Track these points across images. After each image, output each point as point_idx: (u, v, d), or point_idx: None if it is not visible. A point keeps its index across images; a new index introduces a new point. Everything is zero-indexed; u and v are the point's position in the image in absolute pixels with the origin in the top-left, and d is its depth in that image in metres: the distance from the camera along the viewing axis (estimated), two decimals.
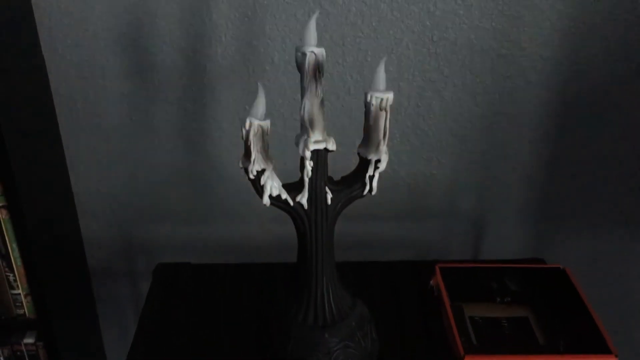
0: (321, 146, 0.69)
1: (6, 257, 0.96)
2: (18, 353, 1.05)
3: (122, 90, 1.05)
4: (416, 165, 1.12)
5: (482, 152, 1.11)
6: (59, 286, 1.07)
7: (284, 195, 0.71)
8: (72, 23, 0.99)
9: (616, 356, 0.77)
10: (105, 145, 1.10)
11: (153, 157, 1.11)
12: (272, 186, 0.70)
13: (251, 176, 0.69)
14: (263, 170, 0.69)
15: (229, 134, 1.08)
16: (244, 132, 0.66)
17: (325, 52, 0.65)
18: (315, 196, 0.72)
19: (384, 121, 0.68)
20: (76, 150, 1.10)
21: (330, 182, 0.73)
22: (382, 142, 0.69)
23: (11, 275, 0.98)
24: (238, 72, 1.03)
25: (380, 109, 0.67)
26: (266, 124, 0.67)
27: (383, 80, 0.69)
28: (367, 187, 0.73)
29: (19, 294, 1.00)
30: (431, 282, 0.94)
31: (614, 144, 1.10)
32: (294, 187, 0.72)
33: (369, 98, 0.68)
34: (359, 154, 0.72)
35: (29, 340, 1.05)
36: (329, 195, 0.72)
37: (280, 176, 0.71)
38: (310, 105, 0.67)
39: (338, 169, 0.75)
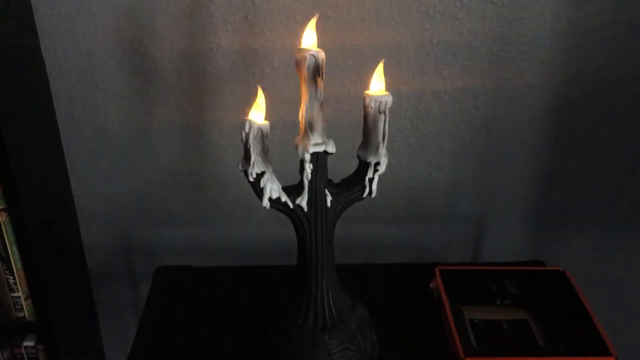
0: (321, 149, 0.69)
1: (6, 260, 0.97)
2: (18, 356, 1.05)
3: (122, 93, 1.05)
4: (416, 168, 1.12)
5: (482, 155, 1.11)
6: (59, 289, 1.07)
7: (284, 198, 0.71)
8: (72, 26, 0.99)
9: (616, 358, 0.77)
10: (105, 148, 1.10)
11: (153, 160, 1.11)
12: (272, 189, 0.70)
13: (251, 179, 0.69)
14: (263, 173, 0.69)
15: (228, 136, 1.08)
16: (243, 134, 0.66)
17: (325, 55, 0.65)
18: (315, 199, 0.72)
19: (383, 124, 0.68)
20: (76, 153, 1.10)
21: (330, 184, 0.73)
22: (381, 145, 0.69)
23: (11, 278, 0.98)
24: (238, 75, 1.03)
25: (380, 112, 0.67)
26: (266, 126, 0.67)
27: (382, 83, 0.69)
28: (367, 190, 0.73)
29: (19, 296, 1.00)
30: (431, 284, 0.94)
31: (614, 147, 1.10)
32: (293, 190, 0.72)
33: (368, 101, 0.68)
34: (358, 156, 0.72)
35: (29, 343, 1.05)
36: (329, 198, 0.72)
37: (280, 179, 0.71)
38: (310, 108, 0.67)
39: (338, 172, 0.75)
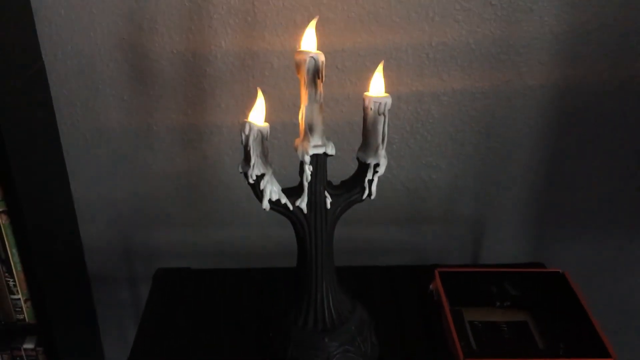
0: (320, 150, 0.69)
1: (6, 262, 0.96)
2: (18, 358, 1.05)
3: (122, 96, 1.05)
4: (415, 170, 1.12)
5: (481, 157, 1.11)
6: (59, 291, 1.07)
7: (284, 200, 0.71)
8: (72, 29, 0.99)
9: None
10: (105, 151, 1.10)
11: (153, 162, 1.11)
12: (272, 191, 0.70)
13: (251, 181, 0.69)
14: (262, 175, 0.69)
15: (228, 138, 1.08)
16: (243, 136, 0.66)
17: (325, 57, 0.65)
18: (315, 200, 0.72)
19: (382, 126, 0.68)
20: (76, 156, 1.10)
21: (330, 186, 0.73)
22: (380, 147, 0.69)
23: (11, 280, 0.98)
24: (238, 77, 1.03)
25: (379, 114, 0.67)
26: (265, 128, 0.67)
27: (382, 85, 0.69)
28: (366, 192, 0.73)
29: (19, 299, 1.00)
30: (431, 286, 0.94)
31: (613, 148, 1.11)
32: (293, 192, 0.72)
33: (367, 102, 0.68)
34: (358, 158, 0.73)
35: (28, 345, 1.04)
36: (329, 200, 0.72)
37: (279, 181, 0.71)
38: (310, 110, 0.67)
39: (337, 174, 0.75)
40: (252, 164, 0.68)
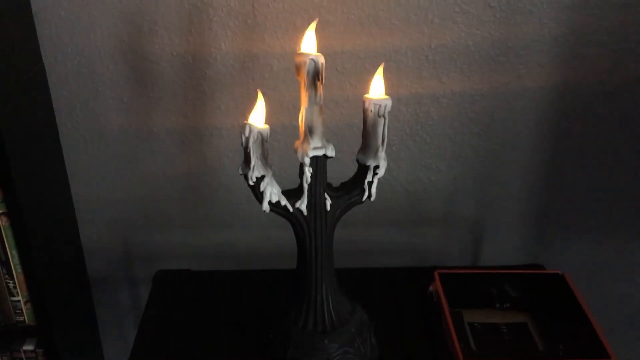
0: (320, 152, 0.69)
1: (6, 264, 0.97)
2: None
3: (122, 98, 1.05)
4: (415, 172, 1.12)
5: (481, 159, 1.11)
6: (59, 293, 1.07)
7: (284, 202, 0.71)
8: (72, 31, 1.00)
9: None
10: (105, 153, 1.10)
11: (153, 164, 1.11)
12: (272, 192, 0.70)
13: (251, 182, 0.69)
14: (262, 177, 0.69)
15: (228, 140, 1.09)
16: (243, 138, 0.66)
17: (324, 59, 0.66)
18: (315, 202, 0.72)
19: (382, 128, 0.68)
20: (76, 158, 1.11)
21: (330, 188, 0.73)
22: (380, 149, 0.70)
23: (11, 282, 0.98)
24: (238, 79, 1.03)
25: (379, 116, 0.68)
26: (265, 130, 0.67)
27: (381, 87, 0.69)
28: (366, 193, 0.73)
29: (19, 300, 1.00)
30: (430, 288, 0.94)
31: (613, 150, 1.11)
32: (293, 194, 0.72)
33: (367, 104, 0.68)
34: (357, 160, 0.73)
35: (28, 347, 1.04)
36: (328, 202, 0.72)
37: (279, 182, 0.72)
38: (310, 112, 0.67)
39: (337, 175, 0.76)
40: (252, 165, 0.68)
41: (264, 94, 0.69)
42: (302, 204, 0.72)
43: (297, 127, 0.71)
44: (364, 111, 0.69)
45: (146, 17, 0.99)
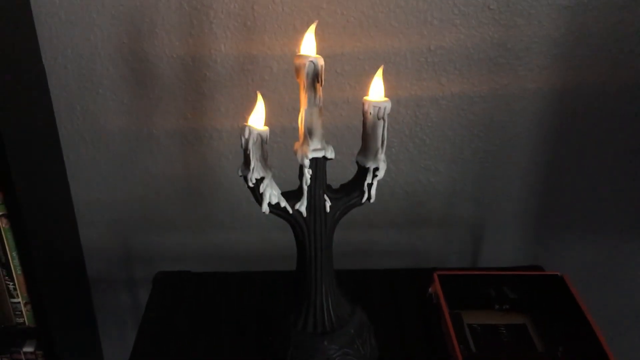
0: (320, 154, 0.69)
1: (6, 266, 0.97)
2: None
3: (122, 100, 1.05)
4: (414, 173, 1.12)
5: (480, 160, 1.11)
6: (59, 295, 1.07)
7: (283, 203, 0.71)
8: (72, 32, 1.00)
9: None
10: (105, 155, 1.10)
11: (153, 166, 1.11)
12: (271, 194, 0.70)
13: (250, 184, 0.69)
14: (262, 178, 0.69)
15: (228, 142, 1.09)
16: (243, 140, 0.66)
17: (324, 61, 0.66)
18: (314, 204, 0.72)
19: (381, 129, 0.68)
20: (76, 159, 1.11)
21: (329, 190, 0.73)
22: (380, 151, 0.70)
23: (11, 283, 0.98)
24: (237, 81, 1.03)
25: (378, 118, 0.68)
26: (265, 132, 0.67)
27: (381, 89, 0.70)
28: (366, 195, 0.73)
29: (19, 302, 1.00)
30: (430, 289, 0.94)
31: (612, 152, 1.11)
32: (293, 195, 0.72)
33: (367, 107, 0.68)
34: (357, 162, 0.73)
35: (28, 349, 1.04)
36: (328, 203, 0.72)
37: (279, 184, 0.72)
38: (309, 113, 0.68)
39: (337, 177, 0.76)
40: (251, 167, 0.68)
41: (263, 96, 0.69)
42: (302, 206, 0.72)
43: (296, 128, 0.71)
44: (364, 113, 0.69)
45: (146, 19, 0.99)
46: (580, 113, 1.07)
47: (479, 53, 1.02)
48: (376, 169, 0.71)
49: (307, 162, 0.69)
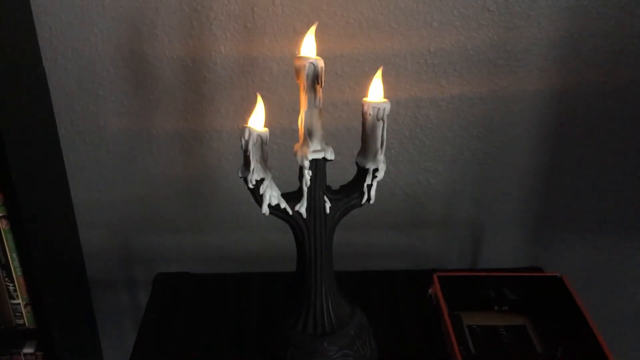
0: (320, 155, 0.70)
1: (6, 267, 0.97)
2: None
3: (122, 101, 1.05)
4: (414, 175, 1.12)
5: (479, 162, 1.11)
6: (59, 296, 1.07)
7: (283, 205, 0.71)
8: (72, 34, 1.00)
9: None
10: (105, 156, 1.10)
11: (153, 167, 1.11)
12: (271, 195, 0.70)
13: (250, 185, 0.69)
14: (262, 180, 0.69)
15: (228, 143, 1.09)
16: (243, 141, 0.66)
17: (324, 62, 0.66)
18: (314, 205, 0.72)
19: (381, 131, 0.68)
20: (76, 160, 1.11)
21: (329, 191, 0.73)
22: (379, 152, 0.70)
23: (11, 285, 0.98)
24: (237, 82, 1.04)
25: (378, 119, 0.68)
26: (265, 133, 0.67)
27: (380, 91, 0.70)
28: (366, 196, 0.73)
29: (19, 303, 1.00)
30: (429, 291, 0.94)
31: (612, 153, 1.11)
32: (292, 197, 0.72)
33: (366, 108, 0.68)
34: (357, 163, 0.73)
35: (28, 350, 1.04)
36: (328, 205, 0.72)
37: (279, 185, 0.72)
38: (309, 115, 0.68)
39: (336, 178, 0.76)
40: (251, 168, 0.68)
41: (263, 97, 0.70)
42: (302, 207, 0.72)
43: (296, 130, 0.71)
44: (363, 114, 0.69)
45: (146, 21, 0.99)
46: (580, 114, 1.07)
47: (479, 55, 1.02)
48: (376, 170, 0.71)
49: (307, 164, 0.69)
